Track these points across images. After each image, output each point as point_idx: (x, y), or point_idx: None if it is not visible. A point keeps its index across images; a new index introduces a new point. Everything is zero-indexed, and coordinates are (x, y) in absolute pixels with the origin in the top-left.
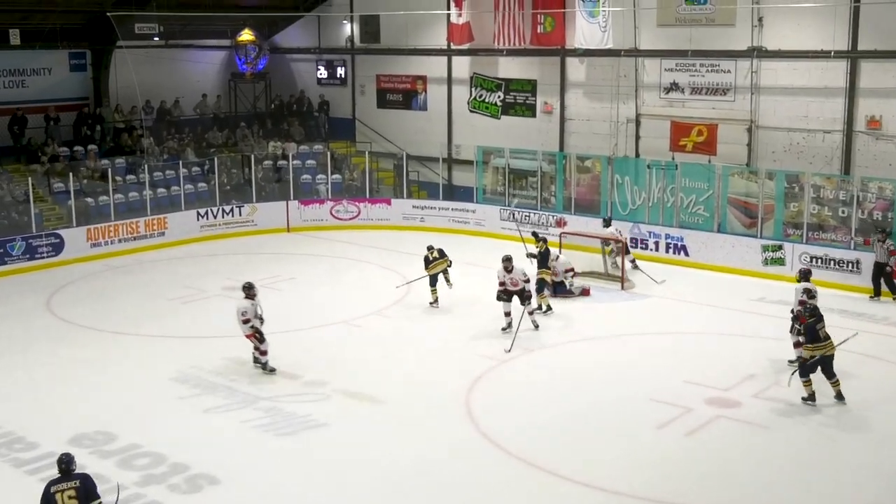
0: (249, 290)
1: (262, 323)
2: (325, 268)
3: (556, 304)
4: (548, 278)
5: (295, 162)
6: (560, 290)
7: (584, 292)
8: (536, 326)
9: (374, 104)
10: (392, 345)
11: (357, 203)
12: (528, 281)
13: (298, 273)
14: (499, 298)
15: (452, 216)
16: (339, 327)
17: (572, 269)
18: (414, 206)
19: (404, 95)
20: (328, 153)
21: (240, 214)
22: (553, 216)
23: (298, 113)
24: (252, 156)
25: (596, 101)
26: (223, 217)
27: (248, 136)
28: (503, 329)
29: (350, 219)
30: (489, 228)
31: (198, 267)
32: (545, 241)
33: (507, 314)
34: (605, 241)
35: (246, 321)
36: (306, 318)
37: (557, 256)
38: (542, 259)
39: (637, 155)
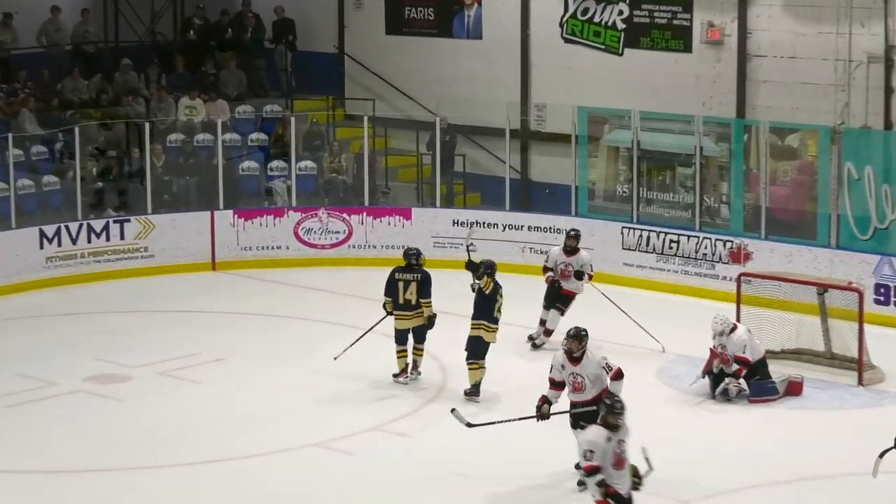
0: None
1: None
2: (280, 339)
3: (710, 412)
4: (488, 338)
5: (229, 137)
6: (721, 391)
7: (792, 388)
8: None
9: (381, 27)
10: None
11: (346, 215)
12: (616, 375)
13: (231, 351)
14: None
15: (530, 242)
16: (309, 456)
17: (762, 358)
18: (455, 223)
19: (437, 10)
20: (291, 120)
21: (121, 237)
22: (726, 242)
23: (235, 45)
24: (146, 125)
25: (807, 21)
26: (90, 241)
27: (138, 89)
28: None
29: (333, 245)
30: (605, 265)
31: (40, 337)
32: (491, 270)
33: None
34: (822, 290)
35: None
36: (250, 437)
37: (734, 327)
38: (484, 303)
39: (889, 125)
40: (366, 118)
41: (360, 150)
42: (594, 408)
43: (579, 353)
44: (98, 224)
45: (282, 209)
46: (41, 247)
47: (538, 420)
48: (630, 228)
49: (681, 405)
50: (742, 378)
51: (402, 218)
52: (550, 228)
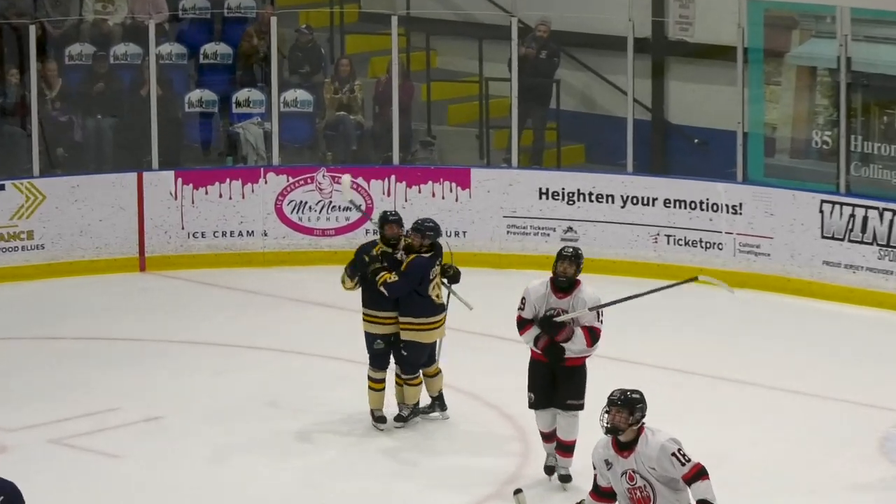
0: None
1: None
2: (247, 387)
3: None
4: (423, 338)
5: (167, 49)
6: None
7: None
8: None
9: None
10: None
11: (361, 179)
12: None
13: (169, 406)
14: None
15: (667, 225)
16: None
17: None
18: (544, 194)
19: None
20: (271, 21)
21: None
22: None
23: None
24: (30, 29)
25: None
26: None
27: None
28: None
29: (339, 230)
30: (792, 264)
31: None
32: (428, 231)
33: None
34: None
35: None
36: None
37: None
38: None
39: None
40: (394, 19)
41: (387, 74)
42: None
43: (629, 436)
44: None
45: (255, 170)
46: None
47: None
48: (835, 203)
49: None
50: None
51: (454, 185)
52: (701, 204)
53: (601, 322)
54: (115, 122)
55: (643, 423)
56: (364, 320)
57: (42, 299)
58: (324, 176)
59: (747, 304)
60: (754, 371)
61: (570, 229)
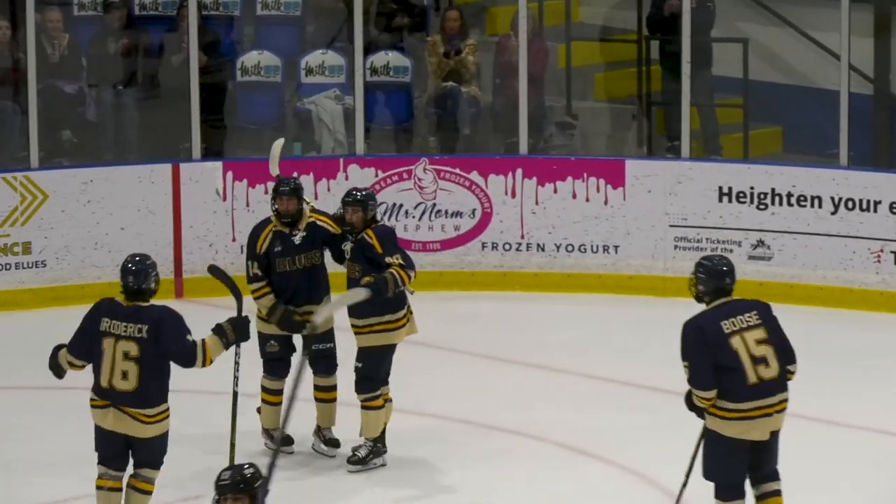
0: None
1: None
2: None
3: None
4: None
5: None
6: None
7: None
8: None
9: None
10: None
11: (476, 174)
12: None
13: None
14: None
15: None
16: None
17: None
18: (727, 195)
19: None
20: None
21: None
22: None
23: None
24: None
25: None
26: None
27: None
28: None
29: (445, 243)
30: None
31: None
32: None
33: None
34: None
35: None
36: None
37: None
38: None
39: None
40: None
41: (511, 31)
42: None
43: None
44: None
45: (333, 160)
46: None
47: None
48: None
49: None
50: None
51: (602, 182)
52: None
53: None
54: (138, 93)
55: None
56: (259, 318)
57: (44, 335)
58: (425, 170)
59: None
60: None
61: (760, 243)
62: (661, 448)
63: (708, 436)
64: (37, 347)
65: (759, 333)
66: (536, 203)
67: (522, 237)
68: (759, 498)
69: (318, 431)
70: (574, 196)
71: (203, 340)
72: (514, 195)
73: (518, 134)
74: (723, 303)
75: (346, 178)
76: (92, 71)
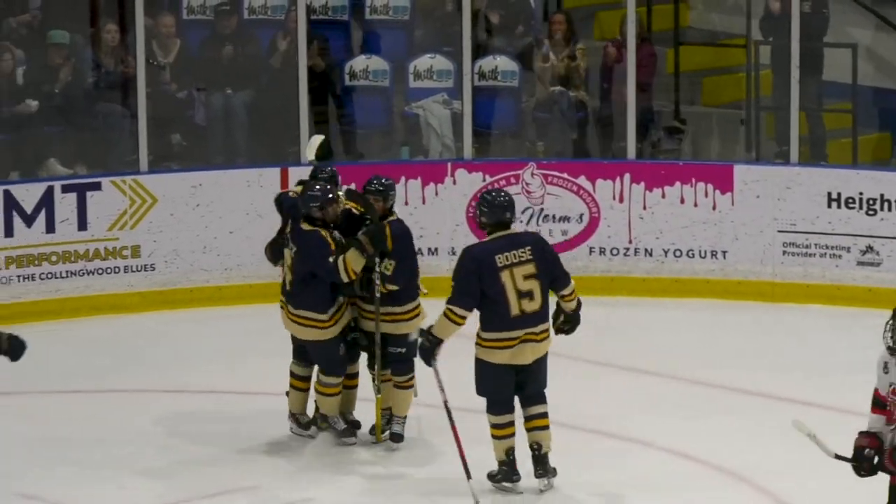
0: None
1: None
2: None
3: None
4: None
5: (321, 0)
6: None
7: None
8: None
9: None
10: None
11: (584, 179)
12: None
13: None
14: None
15: None
16: None
17: None
18: (836, 200)
19: None
20: None
21: (80, 226)
22: None
23: None
24: None
25: None
26: (6, 235)
27: None
28: None
29: (555, 247)
30: None
31: None
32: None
33: None
34: None
35: None
36: None
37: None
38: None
39: None
40: None
41: (619, 36)
42: None
43: None
44: (21, 192)
45: (440, 164)
46: None
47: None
48: None
49: None
50: None
51: (711, 188)
52: None
53: None
54: (251, 99)
55: None
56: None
57: (151, 340)
58: (533, 174)
59: None
60: None
61: (869, 249)
62: (770, 455)
63: (477, 363)
64: (145, 351)
65: (529, 269)
66: (644, 208)
67: (630, 242)
68: (527, 419)
69: (340, 415)
70: (682, 201)
71: (343, 256)
72: (621, 200)
73: (626, 139)
74: (501, 235)
75: (454, 183)
76: (201, 75)
